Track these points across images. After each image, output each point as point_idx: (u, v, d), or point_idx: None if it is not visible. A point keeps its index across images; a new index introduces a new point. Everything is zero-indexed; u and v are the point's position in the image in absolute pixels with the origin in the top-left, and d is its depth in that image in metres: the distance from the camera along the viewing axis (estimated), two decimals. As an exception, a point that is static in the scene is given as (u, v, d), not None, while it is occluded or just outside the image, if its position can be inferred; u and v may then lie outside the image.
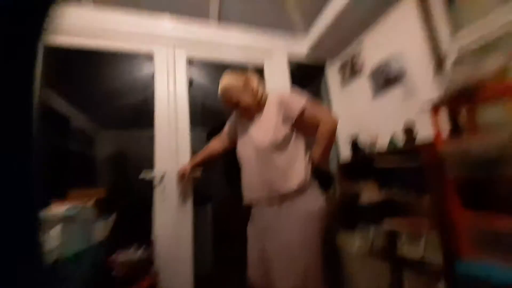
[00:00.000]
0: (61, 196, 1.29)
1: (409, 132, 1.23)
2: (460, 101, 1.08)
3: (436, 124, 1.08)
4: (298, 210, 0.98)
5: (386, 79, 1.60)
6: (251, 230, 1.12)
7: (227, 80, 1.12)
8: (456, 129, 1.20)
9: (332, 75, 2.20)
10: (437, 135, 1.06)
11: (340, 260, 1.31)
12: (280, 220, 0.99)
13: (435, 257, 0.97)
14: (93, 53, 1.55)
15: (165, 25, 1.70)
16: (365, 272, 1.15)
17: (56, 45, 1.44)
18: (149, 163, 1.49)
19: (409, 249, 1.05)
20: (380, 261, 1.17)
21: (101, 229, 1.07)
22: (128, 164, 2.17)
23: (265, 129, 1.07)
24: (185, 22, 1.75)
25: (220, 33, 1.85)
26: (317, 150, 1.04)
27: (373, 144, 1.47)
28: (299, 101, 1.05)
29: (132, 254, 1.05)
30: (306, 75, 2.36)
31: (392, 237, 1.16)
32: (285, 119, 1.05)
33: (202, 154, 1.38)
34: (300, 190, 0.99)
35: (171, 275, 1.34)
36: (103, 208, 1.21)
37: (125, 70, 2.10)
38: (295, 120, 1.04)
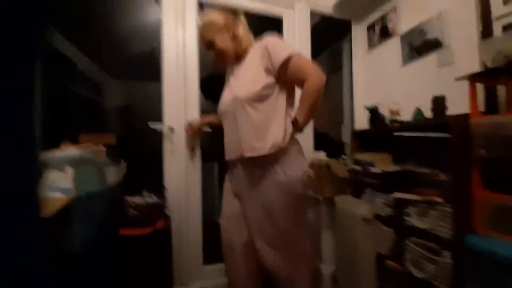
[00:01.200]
0: (73, 139, 1.30)
1: (439, 102, 1.14)
2: (504, 75, 0.97)
3: (473, 95, 0.99)
4: (279, 176, 0.89)
5: (422, 43, 1.44)
6: (228, 187, 1.10)
7: (208, 16, 0.98)
8: (491, 105, 1.11)
9: (358, 36, 1.99)
10: (474, 107, 0.97)
11: (337, 223, 1.35)
12: (258, 187, 0.91)
13: (444, 230, 0.98)
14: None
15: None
16: (367, 235, 1.19)
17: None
18: (158, 116, 1.46)
19: (418, 219, 1.06)
20: (385, 227, 1.20)
21: (114, 174, 1.09)
22: (137, 115, 2.14)
23: (244, 77, 0.94)
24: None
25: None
26: (301, 110, 0.89)
27: (395, 114, 1.39)
28: (285, 48, 0.88)
29: (146, 197, 1.08)
30: (328, 34, 2.16)
31: (400, 205, 1.16)
32: (268, 68, 0.90)
33: (214, 117, 1.33)
34: (277, 153, 0.89)
35: (182, 220, 1.42)
36: (113, 154, 1.21)
37: (133, 14, 1.93)
38: (278, 71, 0.89)
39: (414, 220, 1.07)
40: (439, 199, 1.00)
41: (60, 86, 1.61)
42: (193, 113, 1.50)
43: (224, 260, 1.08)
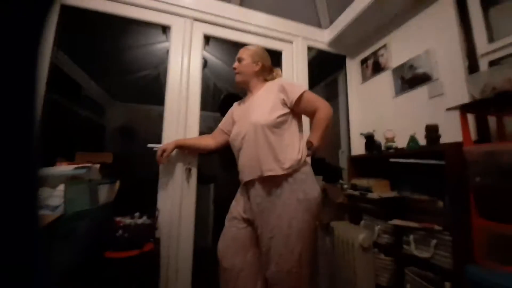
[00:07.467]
0: (69, 157, 1.29)
1: (432, 131, 1.17)
2: (492, 106, 1.02)
3: (465, 125, 1.02)
4: (297, 196, 0.98)
5: (412, 77, 1.52)
6: (235, 211, 1.11)
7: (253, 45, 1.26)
8: (483, 135, 1.14)
9: (352, 70, 2.11)
10: (466, 136, 1.00)
11: (335, 250, 1.30)
12: (278, 205, 0.98)
13: (444, 260, 0.93)
14: (110, 19, 1.50)
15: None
16: (366, 264, 1.13)
17: (74, 4, 1.41)
18: (157, 139, 1.47)
19: (417, 248, 1.01)
20: (384, 256, 1.14)
21: (106, 193, 1.07)
22: (137, 137, 2.17)
23: (263, 106, 1.08)
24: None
25: (240, 13, 1.78)
26: (315, 134, 1.07)
27: (390, 141, 1.41)
28: (299, 86, 1.10)
29: (137, 219, 1.04)
30: (325, 67, 2.29)
31: (399, 233, 1.12)
32: (285, 100, 1.08)
33: (191, 141, 1.40)
34: (295, 173, 0.99)
35: (173, 244, 1.35)
36: (108, 173, 1.20)
37: (141, 43, 2.05)
38: (294, 104, 1.07)
39: (413, 248, 1.03)
40: (438, 227, 0.97)
41: (62, 106, 1.65)
42: (194, 135, 1.52)
43: (221, 286, 1.06)
